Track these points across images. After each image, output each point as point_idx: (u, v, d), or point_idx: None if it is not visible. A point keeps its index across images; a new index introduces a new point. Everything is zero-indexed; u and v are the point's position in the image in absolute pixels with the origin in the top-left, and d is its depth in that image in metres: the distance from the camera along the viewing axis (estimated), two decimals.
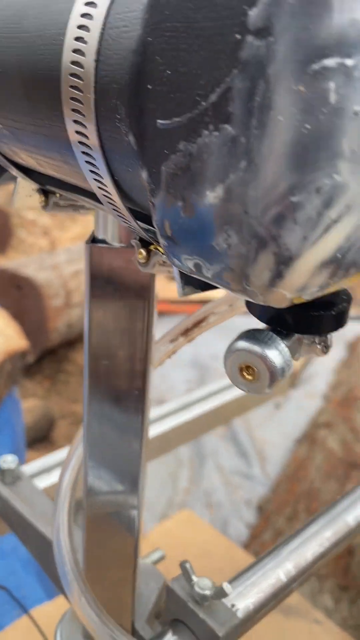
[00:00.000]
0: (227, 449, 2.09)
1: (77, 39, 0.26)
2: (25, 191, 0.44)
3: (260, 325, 0.31)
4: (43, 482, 0.78)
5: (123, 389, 0.43)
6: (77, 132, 0.27)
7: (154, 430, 0.89)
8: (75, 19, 0.26)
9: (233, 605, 0.49)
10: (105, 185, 0.29)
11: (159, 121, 0.23)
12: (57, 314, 2.41)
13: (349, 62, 0.19)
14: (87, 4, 0.26)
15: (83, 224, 3.60)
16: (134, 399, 0.43)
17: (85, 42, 0.25)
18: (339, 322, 0.30)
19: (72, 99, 0.26)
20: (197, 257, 0.25)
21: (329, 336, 0.34)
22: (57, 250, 2.97)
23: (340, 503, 0.61)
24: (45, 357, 2.60)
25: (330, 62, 0.19)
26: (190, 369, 2.40)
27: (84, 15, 0.26)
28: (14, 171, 0.38)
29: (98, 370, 0.43)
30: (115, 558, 0.49)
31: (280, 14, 0.19)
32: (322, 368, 2.40)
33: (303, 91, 0.19)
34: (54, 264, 2.54)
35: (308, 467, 1.96)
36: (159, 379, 2.27)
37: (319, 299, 0.30)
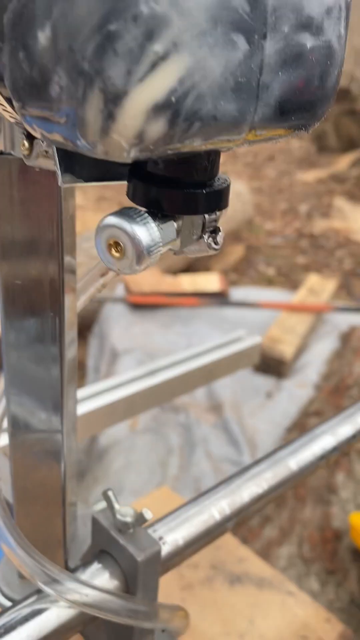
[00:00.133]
0: (217, 437, 2.08)
1: None
2: None
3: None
4: None
5: (37, 311, 0.43)
6: None
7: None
8: None
9: (161, 538, 0.48)
10: None
11: None
12: None
13: None
14: None
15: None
16: (50, 322, 0.43)
17: None
18: (213, 203, 0.30)
19: None
20: (42, 113, 0.25)
21: (219, 233, 0.33)
22: None
23: (286, 447, 0.60)
24: None
25: None
26: None
27: None
28: None
29: (12, 290, 0.43)
30: (42, 490, 0.48)
31: None
32: (314, 358, 2.38)
33: None
34: None
35: None
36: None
37: (195, 179, 0.30)
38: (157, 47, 0.22)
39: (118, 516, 0.45)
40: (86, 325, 2.49)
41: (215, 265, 3.16)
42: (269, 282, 3.20)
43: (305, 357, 2.37)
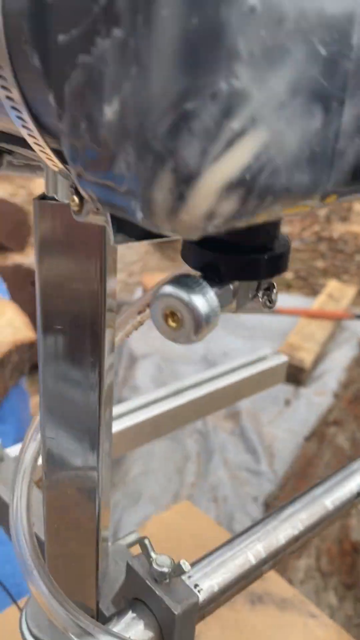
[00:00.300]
0: (235, 445, 2.07)
1: None
2: None
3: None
4: None
5: (77, 353, 0.41)
6: None
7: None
8: None
9: (196, 585, 0.47)
10: (26, 122, 0.27)
11: (60, 36, 0.22)
12: None
13: None
14: None
15: None
16: (90, 366, 0.41)
17: None
18: (274, 267, 0.28)
19: None
20: (102, 181, 0.23)
21: (273, 290, 0.32)
22: None
23: (320, 486, 0.58)
24: None
25: None
26: (201, 365, 2.38)
27: None
28: None
29: (51, 333, 0.41)
30: (76, 531, 0.47)
31: None
32: (333, 366, 2.36)
33: None
34: None
35: (316, 464, 1.93)
36: (170, 376, 2.26)
37: (253, 243, 0.28)
38: (235, 124, 0.20)
39: (155, 565, 0.43)
40: None
41: None
42: (287, 286, 3.17)
43: (325, 365, 2.35)
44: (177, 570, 0.43)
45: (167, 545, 1.15)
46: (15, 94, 0.26)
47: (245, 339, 2.46)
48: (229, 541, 0.51)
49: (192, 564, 0.49)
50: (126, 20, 0.19)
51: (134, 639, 0.42)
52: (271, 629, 0.99)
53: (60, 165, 0.29)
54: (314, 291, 3.03)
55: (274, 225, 0.28)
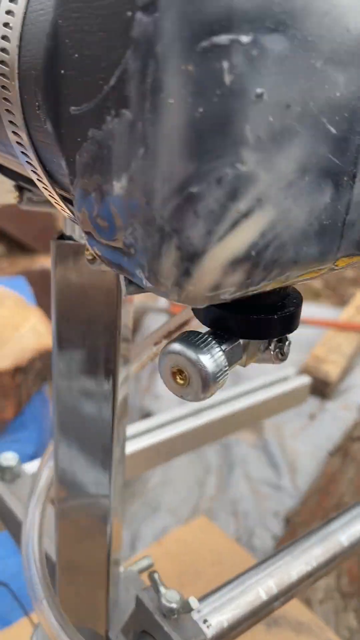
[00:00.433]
0: (257, 458, 2.06)
1: (5, 24, 0.25)
2: (4, 187, 0.43)
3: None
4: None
5: (91, 384, 0.42)
6: (10, 122, 0.26)
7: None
8: (4, 5, 0.25)
9: (205, 621, 0.47)
10: (40, 177, 0.28)
11: (72, 107, 0.22)
12: None
13: (244, 38, 0.18)
14: None
15: None
16: (103, 398, 0.42)
17: (10, 28, 0.24)
18: (285, 327, 0.28)
19: (2, 87, 0.26)
20: (111, 247, 0.23)
21: (285, 342, 0.32)
22: None
23: (335, 520, 0.58)
24: None
25: (221, 39, 0.18)
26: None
27: (12, 0, 0.25)
28: None
29: (66, 364, 0.42)
30: (87, 560, 0.48)
31: None
32: None
33: (192, 71, 0.18)
34: None
35: (339, 480, 1.91)
36: None
37: (264, 302, 0.28)
38: (241, 205, 0.20)
39: (164, 601, 0.44)
40: None
41: None
42: (315, 295, 3.14)
43: (351, 378, 2.32)
44: (186, 607, 0.43)
45: (183, 561, 1.15)
46: (31, 155, 0.26)
47: None
48: (241, 575, 0.51)
49: (202, 598, 0.49)
50: (135, 104, 0.19)
51: None
52: None
53: (70, 214, 0.30)
54: (342, 301, 3.00)
55: (286, 285, 0.28)
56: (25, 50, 0.24)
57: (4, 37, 0.25)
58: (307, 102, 0.20)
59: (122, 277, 0.30)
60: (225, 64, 0.18)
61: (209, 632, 0.46)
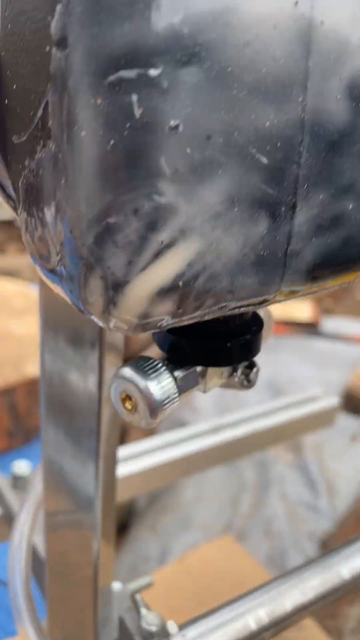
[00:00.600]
0: (294, 478, 2.02)
1: None
2: None
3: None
4: None
5: (77, 425, 0.42)
6: None
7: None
8: None
9: None
10: (3, 200, 0.28)
11: (14, 136, 0.23)
12: None
13: (153, 72, 0.18)
14: None
15: None
16: (87, 434, 0.42)
17: None
18: (243, 353, 0.28)
19: None
20: (51, 272, 0.24)
21: (253, 369, 0.31)
22: None
23: (338, 551, 0.56)
24: None
25: (128, 73, 0.18)
26: (266, 390, 2.35)
27: None
28: None
29: (52, 397, 0.42)
30: (74, 577, 0.48)
31: (72, 23, 0.18)
32: None
33: (101, 104, 0.18)
34: None
35: None
36: (232, 400, 2.24)
37: (220, 328, 0.28)
38: (162, 236, 0.20)
39: (143, 624, 0.43)
40: None
41: None
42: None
43: None
44: (163, 632, 0.42)
45: (203, 580, 1.14)
46: None
47: (315, 366, 2.39)
48: (231, 601, 0.49)
49: (188, 623, 0.48)
50: (56, 136, 0.20)
51: None
52: None
53: None
54: None
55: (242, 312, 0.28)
56: None
57: None
58: (230, 132, 0.20)
59: None
60: (134, 98, 0.18)
61: None
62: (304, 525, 1.87)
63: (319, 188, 0.22)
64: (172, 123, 0.18)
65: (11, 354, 1.63)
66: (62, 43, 0.18)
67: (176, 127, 0.19)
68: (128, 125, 0.18)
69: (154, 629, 0.43)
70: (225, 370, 0.30)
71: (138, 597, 0.44)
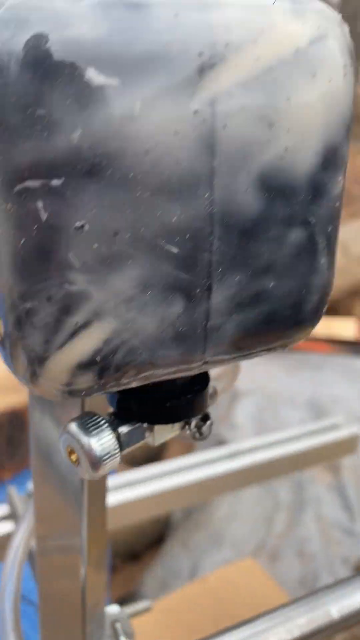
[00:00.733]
0: (331, 500, 1.99)
1: None
2: None
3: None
4: None
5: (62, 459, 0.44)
6: None
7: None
8: None
9: None
10: None
11: None
12: None
13: (55, 182, 0.20)
14: None
15: None
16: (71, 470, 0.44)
17: None
18: (188, 411, 0.30)
19: None
20: None
21: (207, 422, 0.33)
22: None
23: (328, 590, 0.56)
24: None
25: (33, 183, 0.20)
26: (306, 409, 2.32)
27: None
28: None
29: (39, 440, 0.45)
30: (63, 603, 0.50)
31: None
32: None
33: (10, 209, 0.20)
34: None
35: None
36: (271, 418, 2.23)
37: (164, 388, 0.30)
38: (76, 319, 0.22)
39: None
40: None
41: (358, 306, 3.01)
42: None
43: None
44: None
45: (222, 602, 1.14)
46: None
47: (358, 385, 2.35)
48: (212, 636, 0.51)
49: None
50: None
51: None
52: None
53: None
54: None
55: None
56: None
57: None
58: (137, 228, 0.22)
59: None
60: (40, 204, 0.20)
61: None
62: (339, 549, 1.83)
63: (235, 270, 0.24)
64: (78, 224, 0.21)
65: None
66: None
67: (82, 226, 0.21)
68: (36, 227, 0.20)
69: None
70: (177, 424, 0.32)
71: (118, 625, 0.46)
